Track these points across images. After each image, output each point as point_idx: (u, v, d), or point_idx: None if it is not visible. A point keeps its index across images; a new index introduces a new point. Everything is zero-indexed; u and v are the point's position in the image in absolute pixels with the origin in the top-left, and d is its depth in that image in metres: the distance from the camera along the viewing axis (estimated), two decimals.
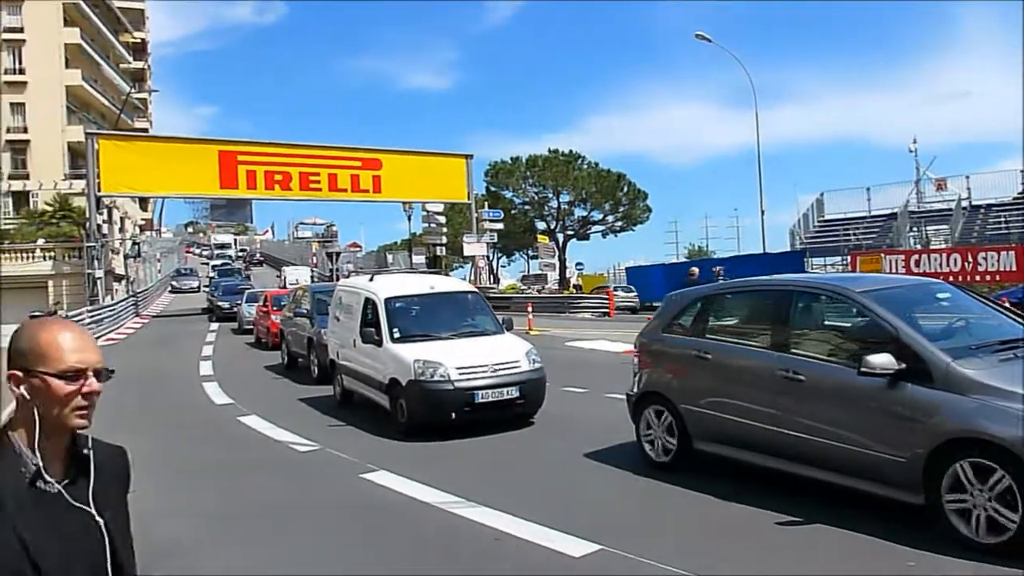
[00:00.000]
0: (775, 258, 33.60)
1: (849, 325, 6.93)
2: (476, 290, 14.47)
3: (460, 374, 10.05)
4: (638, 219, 57.21)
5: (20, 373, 1.82)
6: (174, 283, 57.83)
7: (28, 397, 1.81)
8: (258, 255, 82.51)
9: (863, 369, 5.75)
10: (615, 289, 39.77)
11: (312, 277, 49.54)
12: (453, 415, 9.96)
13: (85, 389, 1.82)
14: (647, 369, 8.19)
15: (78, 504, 1.82)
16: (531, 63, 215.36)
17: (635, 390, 8.21)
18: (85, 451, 1.88)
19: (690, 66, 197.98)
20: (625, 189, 55.80)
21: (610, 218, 56.98)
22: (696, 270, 23.60)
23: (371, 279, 12.83)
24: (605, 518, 6.73)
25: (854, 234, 36.28)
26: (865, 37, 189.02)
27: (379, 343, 10.97)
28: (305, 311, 17.27)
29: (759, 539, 5.95)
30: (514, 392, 10.22)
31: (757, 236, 44.19)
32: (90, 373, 1.84)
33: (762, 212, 36.97)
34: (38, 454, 1.78)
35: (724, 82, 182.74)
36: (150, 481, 8.97)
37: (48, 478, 1.79)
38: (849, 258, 32.44)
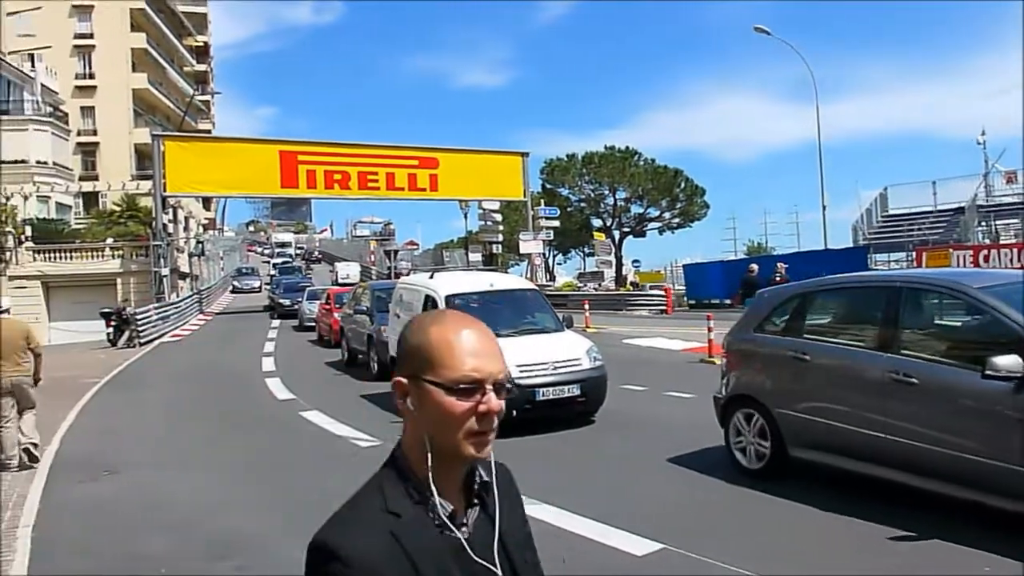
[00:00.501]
0: (838, 254, 32.82)
1: (963, 324, 6.49)
2: (536, 287, 14.39)
3: (521, 372, 9.96)
4: (695, 215, 56.51)
5: (405, 380, 1.43)
6: (235, 283, 57.29)
7: (415, 412, 1.42)
8: (317, 253, 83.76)
9: (988, 372, 5.32)
10: (650, 287, 39.45)
11: (372, 273, 50.43)
12: (514, 413, 9.81)
13: (481, 408, 1.38)
14: (736, 371, 7.77)
15: (481, 561, 1.40)
16: (585, 60, 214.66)
17: (723, 392, 7.81)
18: (482, 481, 1.47)
19: (747, 60, 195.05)
20: (682, 185, 55.11)
21: (667, 215, 56.36)
22: (756, 267, 23.26)
23: (431, 277, 12.93)
24: (671, 519, 6.60)
25: (919, 229, 35.35)
26: (927, 28, 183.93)
27: None
28: (365, 308, 17.44)
29: (865, 552, 5.57)
30: (575, 390, 10.14)
31: (817, 232, 43.33)
32: (489, 387, 1.39)
33: (823, 207, 36.23)
34: (434, 489, 1.40)
35: (782, 76, 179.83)
36: (218, 473, 9.22)
37: (447, 523, 1.40)
38: (914, 254, 31.62)
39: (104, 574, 6.00)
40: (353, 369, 17.56)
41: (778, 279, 21.71)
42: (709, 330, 16.38)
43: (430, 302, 11.70)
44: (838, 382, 6.63)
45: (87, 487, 8.69)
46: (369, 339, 16.72)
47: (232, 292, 55.02)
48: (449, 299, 11.42)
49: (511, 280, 14.66)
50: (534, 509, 6.87)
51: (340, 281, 49.40)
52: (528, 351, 10.40)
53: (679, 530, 6.19)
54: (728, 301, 30.75)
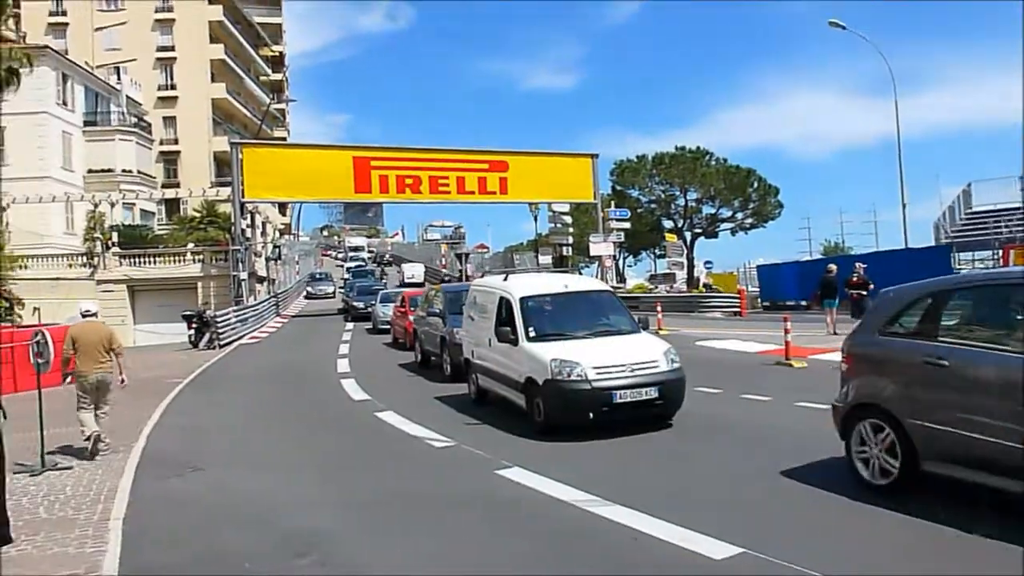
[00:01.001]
0: (919, 254, 31.78)
1: None
2: (610, 289, 14.17)
3: (597, 374, 9.87)
4: (769, 215, 55.42)
5: None
6: (308, 288, 55.71)
7: None
8: (388, 256, 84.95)
9: None
10: (709, 287, 38.73)
11: (445, 278, 50.96)
12: (591, 415, 9.79)
13: None
14: (859, 377, 7.20)
15: None
16: (656, 59, 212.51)
17: (844, 401, 7.25)
18: None
19: (822, 55, 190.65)
20: (755, 185, 54.12)
21: (739, 215, 55.43)
22: (835, 267, 22.76)
23: (505, 279, 12.83)
24: (761, 525, 6.37)
25: (1006, 226, 33.93)
26: (1008, 15, 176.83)
27: (514, 342, 10.98)
28: (438, 311, 17.55)
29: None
30: (653, 392, 9.96)
31: (896, 231, 41.92)
32: None
33: (903, 205, 35.14)
34: None
35: (859, 70, 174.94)
36: (297, 471, 9.42)
37: None
38: (1001, 252, 30.39)
39: (191, 566, 6.19)
40: (427, 371, 17.72)
41: (855, 279, 21.29)
42: (786, 331, 16.08)
43: (504, 304, 11.65)
44: (983, 390, 6.02)
45: (173, 483, 8.96)
46: (442, 341, 16.78)
47: (306, 298, 54.09)
48: (524, 300, 11.37)
49: (585, 282, 14.50)
50: (608, 511, 6.84)
51: (406, 281, 53.14)
52: (605, 353, 10.27)
53: (767, 537, 6.01)
54: (804, 302, 30.12)
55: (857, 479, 6.98)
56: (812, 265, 36.51)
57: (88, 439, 10.31)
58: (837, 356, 15.63)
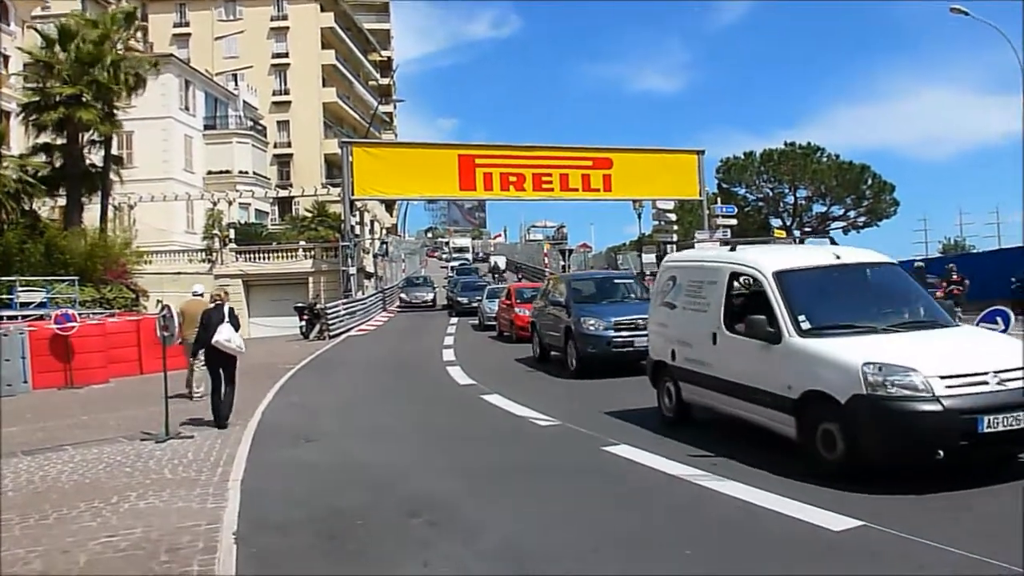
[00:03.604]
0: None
1: None
2: (896, 262, 9.18)
3: (948, 388, 6.36)
4: (884, 213, 53.14)
5: None
6: (402, 296, 44.60)
7: None
8: (482, 254, 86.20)
9: None
10: None
11: (550, 269, 51.07)
12: (939, 453, 6.27)
13: None
14: None
15: None
16: (765, 60, 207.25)
17: None
18: None
19: (943, 47, 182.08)
20: (869, 182, 51.97)
21: (852, 213, 53.45)
22: (923, 264, 23.17)
23: (732, 249, 9.37)
24: None
25: None
26: None
27: (774, 338, 7.51)
28: (561, 301, 16.51)
29: None
30: None
31: (1019, 232, 39.51)
32: None
33: None
34: None
35: (984, 63, 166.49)
36: (406, 443, 9.59)
37: None
38: None
39: (305, 522, 6.33)
40: (547, 365, 16.71)
41: (955, 277, 21.29)
42: None
43: (743, 283, 8.63)
44: None
45: (287, 451, 9.22)
46: (567, 332, 15.52)
47: (399, 307, 42.93)
48: (782, 277, 7.87)
49: (861, 253, 9.35)
50: (720, 484, 6.62)
51: (491, 268, 60.29)
52: (950, 354, 6.87)
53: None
54: None
55: None
56: (932, 264, 35.01)
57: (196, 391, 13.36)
58: None
